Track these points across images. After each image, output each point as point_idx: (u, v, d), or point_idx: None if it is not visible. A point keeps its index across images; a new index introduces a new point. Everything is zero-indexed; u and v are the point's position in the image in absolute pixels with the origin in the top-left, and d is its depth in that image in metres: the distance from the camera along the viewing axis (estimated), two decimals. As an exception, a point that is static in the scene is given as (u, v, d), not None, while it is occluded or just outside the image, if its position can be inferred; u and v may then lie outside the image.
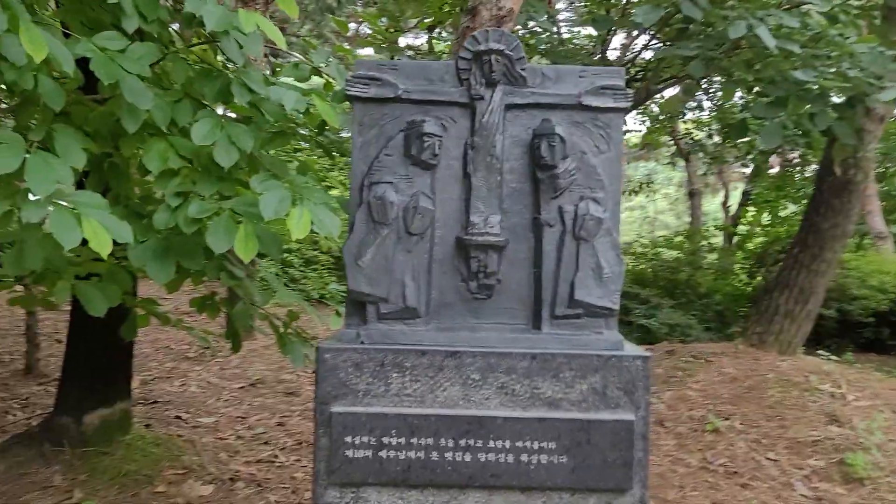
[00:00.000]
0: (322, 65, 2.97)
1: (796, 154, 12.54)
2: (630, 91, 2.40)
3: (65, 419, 4.07)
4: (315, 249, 11.18)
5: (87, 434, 4.05)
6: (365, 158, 2.35)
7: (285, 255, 11.06)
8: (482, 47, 2.33)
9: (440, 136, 2.33)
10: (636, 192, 20.38)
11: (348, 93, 2.36)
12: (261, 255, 3.27)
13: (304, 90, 2.70)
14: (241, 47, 2.52)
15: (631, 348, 2.37)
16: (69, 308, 4.18)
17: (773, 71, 4.72)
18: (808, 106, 4.57)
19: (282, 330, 3.37)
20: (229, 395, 5.92)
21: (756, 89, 5.59)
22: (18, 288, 3.64)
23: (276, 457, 4.60)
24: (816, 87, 4.26)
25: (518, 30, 8.03)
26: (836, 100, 5.08)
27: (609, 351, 2.29)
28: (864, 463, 4.52)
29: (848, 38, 4.63)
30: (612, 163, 2.39)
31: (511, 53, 2.34)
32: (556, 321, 2.34)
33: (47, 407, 4.78)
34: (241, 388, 6.19)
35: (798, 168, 13.52)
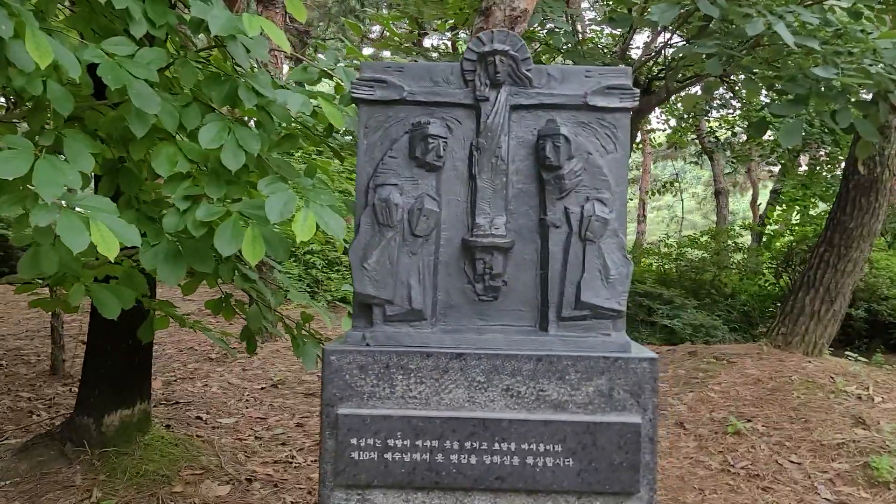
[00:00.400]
0: (331, 67, 2.98)
1: (824, 152, 12.33)
2: (637, 91, 2.37)
3: (85, 419, 4.13)
4: (334, 251, 11.24)
5: (107, 434, 4.12)
6: (370, 161, 2.35)
7: (308, 256, 11.13)
8: (487, 48, 2.32)
9: (445, 138, 2.32)
10: (661, 192, 20.20)
11: (354, 95, 2.35)
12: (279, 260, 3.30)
13: (310, 93, 2.70)
14: (248, 51, 2.53)
15: (638, 350, 2.34)
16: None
17: (794, 68, 4.64)
18: (830, 103, 4.49)
19: (295, 331, 3.39)
20: (250, 396, 5.98)
21: (777, 86, 5.51)
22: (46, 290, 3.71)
23: (293, 457, 4.63)
24: (838, 83, 4.18)
25: (537, 29, 8.00)
26: (864, 96, 4.98)
27: (616, 353, 2.26)
28: (890, 466, 4.42)
29: (870, 33, 4.53)
30: (619, 163, 2.36)
31: (516, 54, 2.32)
32: (563, 323, 2.32)
33: (71, 407, 4.86)
34: (262, 388, 6.24)
35: (827, 166, 13.29)
